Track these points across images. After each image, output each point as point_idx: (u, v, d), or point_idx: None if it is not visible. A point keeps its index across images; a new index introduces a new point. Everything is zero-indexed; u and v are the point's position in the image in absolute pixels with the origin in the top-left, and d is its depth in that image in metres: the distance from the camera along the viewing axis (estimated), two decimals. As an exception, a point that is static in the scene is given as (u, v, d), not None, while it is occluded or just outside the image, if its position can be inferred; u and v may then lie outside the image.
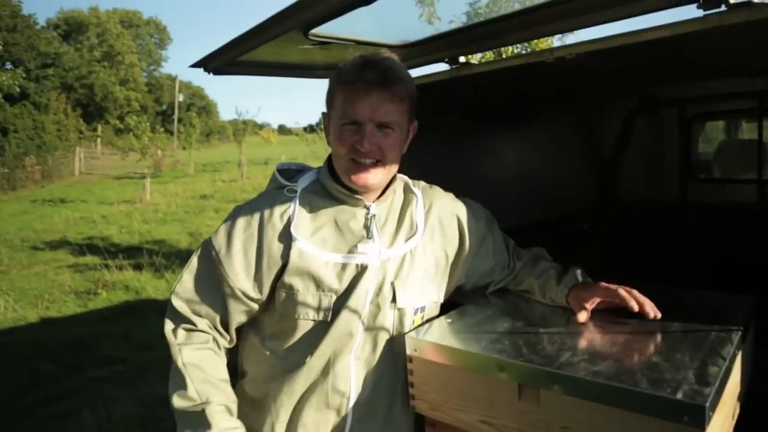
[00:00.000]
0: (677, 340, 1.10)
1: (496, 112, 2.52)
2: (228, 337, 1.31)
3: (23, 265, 8.27)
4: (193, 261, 1.29)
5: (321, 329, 1.24)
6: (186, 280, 1.28)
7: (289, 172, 1.37)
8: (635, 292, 1.24)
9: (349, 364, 1.25)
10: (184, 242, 9.47)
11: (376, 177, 1.25)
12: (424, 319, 1.33)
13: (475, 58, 1.96)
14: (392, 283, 1.27)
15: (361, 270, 1.25)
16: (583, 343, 1.12)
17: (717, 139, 3.53)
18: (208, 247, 1.28)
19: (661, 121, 3.20)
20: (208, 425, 1.15)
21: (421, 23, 1.82)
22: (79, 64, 41.53)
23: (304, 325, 1.24)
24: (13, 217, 13.32)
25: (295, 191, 1.30)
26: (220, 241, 1.26)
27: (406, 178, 1.44)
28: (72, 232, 10.76)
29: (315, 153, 18.11)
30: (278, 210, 1.27)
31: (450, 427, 1.21)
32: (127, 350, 4.81)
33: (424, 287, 1.32)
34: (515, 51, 3.85)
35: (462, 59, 1.90)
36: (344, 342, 1.24)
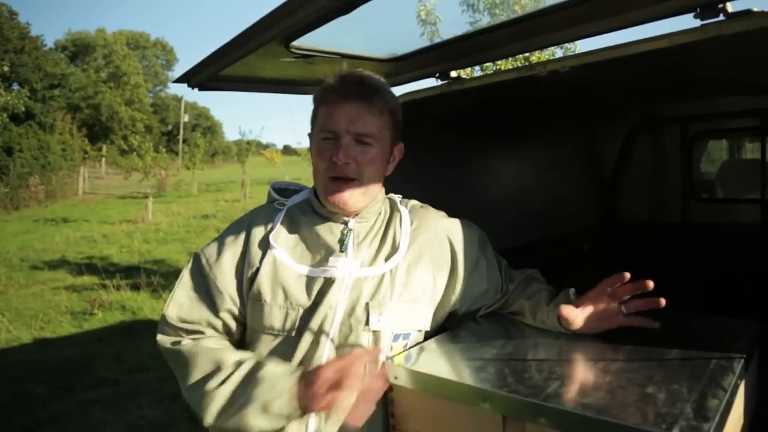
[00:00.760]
0: (675, 369, 1.02)
1: (491, 130, 2.46)
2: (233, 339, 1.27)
3: (21, 285, 8.21)
4: (185, 275, 1.27)
5: (288, 345, 1.18)
6: (179, 295, 1.24)
7: (287, 192, 1.38)
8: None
9: None
10: (184, 262, 9.38)
11: (352, 197, 1.21)
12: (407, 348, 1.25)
13: (472, 73, 1.92)
14: (367, 303, 1.19)
15: (328, 283, 1.19)
16: (573, 372, 1.04)
17: (719, 159, 3.47)
18: (198, 258, 1.28)
19: (663, 140, 3.15)
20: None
21: (410, 36, 1.77)
22: (86, 84, 42.04)
23: (270, 340, 1.19)
24: (14, 237, 13.30)
25: (284, 205, 1.31)
26: (210, 251, 1.27)
27: (396, 197, 1.39)
28: (72, 252, 10.72)
29: (317, 173, 18.12)
30: (263, 221, 1.28)
31: (432, 461, 1.13)
32: (119, 371, 4.73)
33: (407, 313, 1.23)
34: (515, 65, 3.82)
35: (453, 74, 1.85)
36: (312, 362, 1.16)
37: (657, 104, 2.96)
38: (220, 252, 1.25)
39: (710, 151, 3.41)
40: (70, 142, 29.06)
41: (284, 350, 1.18)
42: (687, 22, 1.24)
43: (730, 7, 1.15)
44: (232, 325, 1.25)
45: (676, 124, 3.02)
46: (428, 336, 1.31)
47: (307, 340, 1.17)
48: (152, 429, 3.63)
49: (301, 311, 1.18)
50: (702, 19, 1.21)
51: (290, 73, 1.79)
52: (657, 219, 3.17)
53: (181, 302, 1.23)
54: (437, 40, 2.22)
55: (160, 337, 1.23)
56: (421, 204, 1.41)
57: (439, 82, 1.88)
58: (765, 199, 2.82)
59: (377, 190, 1.28)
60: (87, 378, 4.60)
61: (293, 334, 1.18)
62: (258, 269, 1.21)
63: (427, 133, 1.89)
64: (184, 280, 1.26)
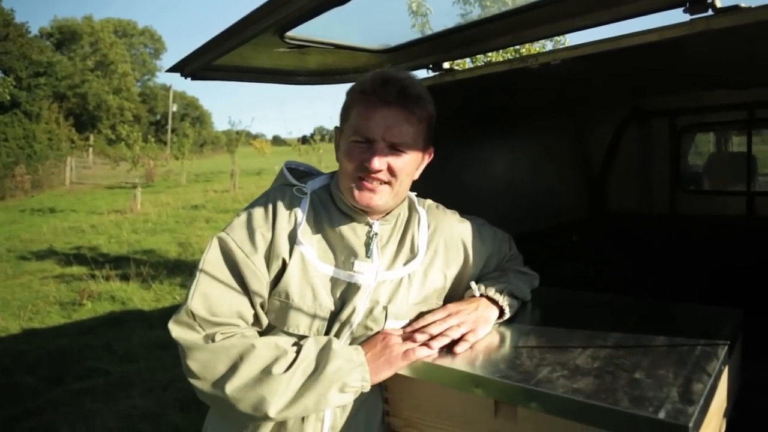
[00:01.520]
0: (661, 356, 1.05)
1: (483, 122, 2.48)
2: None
3: (8, 276, 8.13)
4: (210, 264, 1.15)
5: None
6: (205, 286, 1.13)
7: (297, 172, 1.33)
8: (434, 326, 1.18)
9: None
10: (173, 252, 9.37)
11: (381, 198, 1.18)
12: None
13: (465, 64, 1.93)
14: (385, 308, 1.20)
15: (353, 288, 1.19)
16: (562, 359, 1.06)
17: (707, 152, 3.52)
18: (226, 244, 1.16)
19: (651, 133, 3.19)
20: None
21: (403, 28, 1.78)
22: (72, 73, 41.39)
23: (290, 339, 1.16)
24: (0, 227, 13.15)
25: (305, 192, 1.24)
26: (239, 237, 1.17)
27: (412, 195, 1.37)
28: (60, 242, 10.63)
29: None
30: (289, 207, 1.21)
31: (425, 445, 1.15)
32: (109, 362, 4.71)
33: (417, 313, 1.26)
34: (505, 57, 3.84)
35: (446, 65, 1.86)
36: None
37: (646, 97, 3.00)
38: (252, 238, 1.16)
39: (698, 144, 3.46)
40: (57, 132, 28.68)
41: None
42: (676, 16, 1.27)
43: (718, 3, 1.18)
44: (263, 317, 1.18)
45: (665, 117, 3.06)
46: None
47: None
48: (144, 418, 3.63)
49: (328, 314, 1.17)
50: (691, 14, 1.23)
51: (284, 63, 1.80)
52: (645, 211, 3.22)
53: (208, 293, 1.12)
54: (428, 31, 2.23)
55: (182, 334, 1.10)
56: (436, 204, 1.41)
57: (432, 74, 1.90)
58: (750, 191, 2.87)
59: (404, 194, 1.27)
60: (77, 368, 4.58)
61: (314, 335, 1.17)
62: (285, 265, 1.16)
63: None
64: (210, 269, 1.14)
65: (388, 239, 1.26)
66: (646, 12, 1.31)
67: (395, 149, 1.16)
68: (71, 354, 4.92)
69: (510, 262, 1.48)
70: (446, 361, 1.11)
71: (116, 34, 51.18)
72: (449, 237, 1.34)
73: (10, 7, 26.20)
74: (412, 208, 1.35)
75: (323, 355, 1.08)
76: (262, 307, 1.17)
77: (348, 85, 1.24)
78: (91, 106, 42.51)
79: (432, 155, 1.30)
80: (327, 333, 1.17)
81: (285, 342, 1.12)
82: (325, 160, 18.54)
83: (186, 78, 1.84)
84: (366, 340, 1.18)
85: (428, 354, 1.12)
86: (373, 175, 1.16)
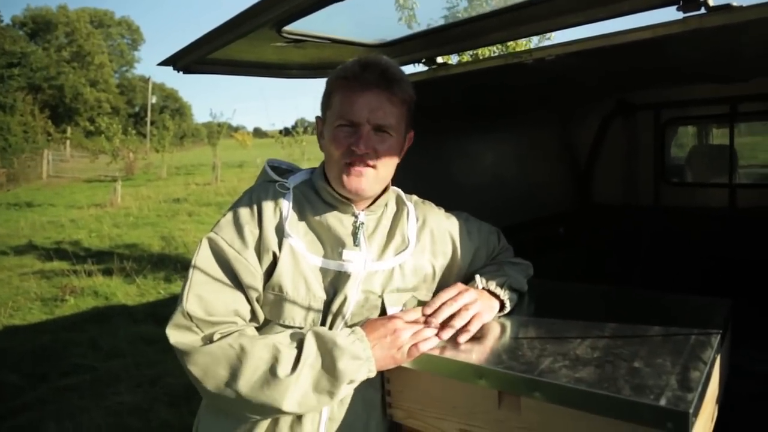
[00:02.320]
0: (657, 345, 1.09)
1: (472, 115, 2.50)
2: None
3: (-14, 271, 7.99)
4: (201, 265, 1.15)
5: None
6: (198, 287, 1.12)
7: (280, 170, 1.34)
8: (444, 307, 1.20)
9: None
10: (156, 246, 9.27)
11: (368, 182, 1.21)
12: None
13: (464, 58, 1.95)
14: (380, 296, 1.23)
15: (343, 277, 1.21)
16: (563, 349, 1.09)
17: (690, 144, 3.58)
18: (216, 243, 1.17)
19: (636, 126, 3.24)
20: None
21: (400, 23, 1.79)
22: (47, 64, 40.52)
23: (290, 332, 1.17)
24: (-23, 222, 12.90)
25: (287, 188, 1.26)
26: (228, 234, 1.18)
27: (398, 190, 1.40)
28: (39, 237, 10.44)
29: (291, 156, 17.92)
30: (273, 202, 1.23)
31: (428, 436, 1.17)
32: (95, 358, 4.66)
33: (410, 302, 1.29)
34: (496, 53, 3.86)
35: (440, 60, 1.88)
36: None
37: (632, 91, 3.04)
38: (241, 234, 1.17)
39: (681, 137, 3.52)
40: (32, 124, 28.17)
41: None
42: (670, 14, 1.30)
43: (711, 1, 1.20)
44: (259, 311, 1.19)
45: (650, 110, 3.11)
46: None
47: None
48: (132, 414, 3.61)
49: (322, 305, 1.19)
50: (684, 12, 1.26)
51: (278, 57, 1.80)
52: (630, 202, 3.28)
53: (202, 294, 1.12)
54: (415, 25, 2.24)
55: (180, 339, 1.09)
56: (422, 200, 1.44)
57: (425, 68, 1.91)
58: (732, 184, 2.94)
59: (389, 177, 1.29)
60: (61, 365, 4.52)
61: (310, 326, 1.18)
62: (276, 258, 1.18)
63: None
64: (202, 269, 1.14)
65: (375, 229, 1.29)
66: (640, 9, 1.34)
67: (380, 131, 1.19)
68: (55, 351, 4.85)
69: (502, 255, 1.51)
70: (449, 353, 1.13)
71: (92, 24, 50.17)
72: (437, 230, 1.37)
73: (-19, -4, 25.50)
74: (400, 202, 1.38)
75: (329, 352, 1.08)
76: (258, 301, 1.18)
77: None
78: (67, 98, 41.69)
79: (412, 141, 1.32)
80: (322, 323, 1.19)
81: (283, 338, 1.11)
82: (308, 152, 18.44)
83: (178, 72, 1.82)
84: (373, 321, 1.17)
85: (433, 346, 1.14)
86: (360, 158, 1.18)
